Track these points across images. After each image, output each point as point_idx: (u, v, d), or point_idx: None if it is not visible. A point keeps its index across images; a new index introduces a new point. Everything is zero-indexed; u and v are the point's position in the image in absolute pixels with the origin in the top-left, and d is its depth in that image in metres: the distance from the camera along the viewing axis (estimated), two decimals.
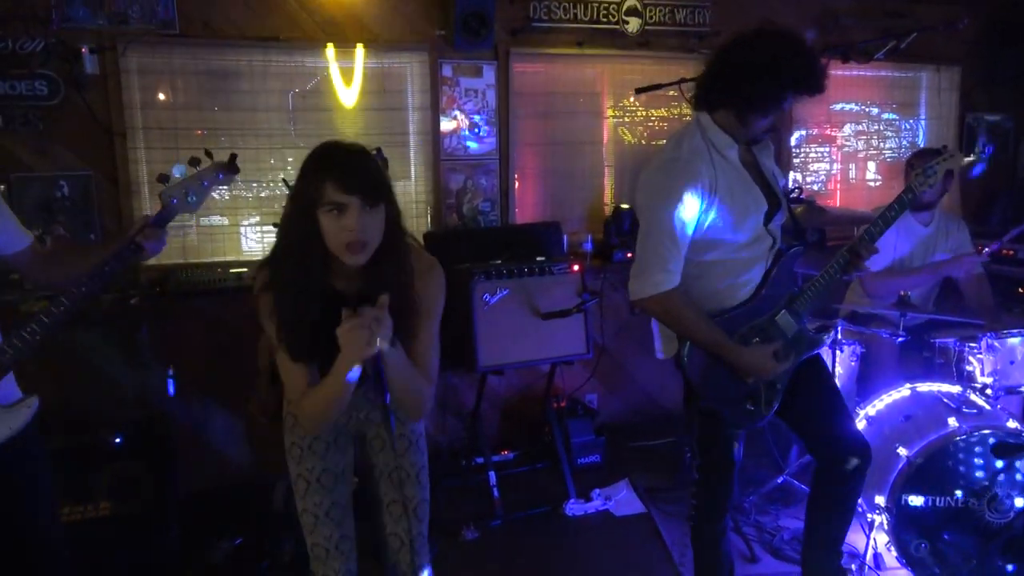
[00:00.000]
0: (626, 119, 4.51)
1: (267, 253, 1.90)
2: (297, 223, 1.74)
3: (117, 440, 3.08)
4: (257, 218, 3.87)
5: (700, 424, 2.38)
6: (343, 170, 1.69)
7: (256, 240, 3.88)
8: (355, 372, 1.74)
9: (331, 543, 2.06)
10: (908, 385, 3.16)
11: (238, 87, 3.72)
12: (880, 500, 2.84)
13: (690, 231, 2.20)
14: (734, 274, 2.30)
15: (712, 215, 2.20)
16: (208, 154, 2.16)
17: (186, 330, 3.67)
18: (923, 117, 5.26)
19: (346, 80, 3.89)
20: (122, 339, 3.56)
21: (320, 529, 2.05)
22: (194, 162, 2.11)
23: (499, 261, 3.58)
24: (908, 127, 5.27)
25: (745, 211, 2.24)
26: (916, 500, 2.77)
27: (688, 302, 2.22)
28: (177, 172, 2.11)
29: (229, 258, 3.79)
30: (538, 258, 3.68)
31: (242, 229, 3.85)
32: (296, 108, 3.84)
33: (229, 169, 2.17)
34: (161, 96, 3.63)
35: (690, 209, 2.17)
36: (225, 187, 2.14)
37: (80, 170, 3.46)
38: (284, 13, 3.68)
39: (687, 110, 4.45)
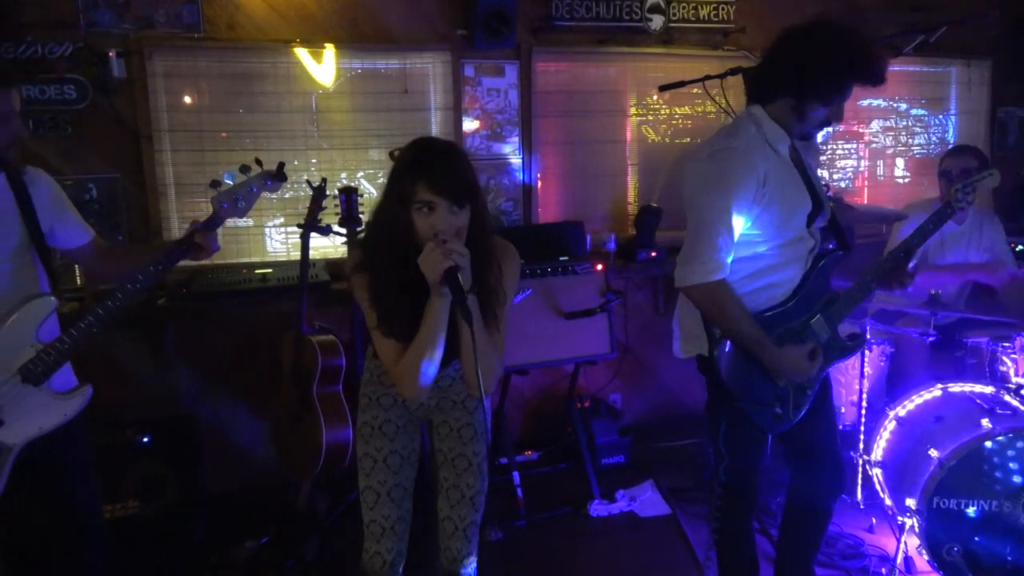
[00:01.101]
0: (649, 117, 4.48)
1: (360, 235, 2.13)
2: (391, 216, 1.89)
3: (144, 439, 3.12)
4: (281, 219, 3.89)
5: (730, 425, 2.35)
6: (436, 172, 1.83)
7: (280, 241, 3.90)
8: (444, 307, 1.87)
9: (388, 522, 2.11)
10: (939, 385, 3.10)
11: (262, 89, 3.74)
12: (911, 503, 2.79)
13: (742, 221, 2.18)
14: (773, 272, 2.27)
15: (761, 209, 2.18)
16: (258, 162, 2.26)
17: (211, 331, 3.70)
18: (953, 112, 5.16)
19: (368, 81, 3.90)
20: (148, 339, 3.60)
21: (380, 507, 2.11)
22: (244, 169, 2.22)
23: (522, 261, 3.55)
24: (938, 122, 5.18)
25: (792, 208, 2.22)
26: (948, 503, 2.72)
27: (734, 295, 2.20)
28: (228, 178, 2.19)
29: (254, 259, 3.82)
30: (561, 257, 3.67)
31: (266, 230, 3.88)
32: (319, 110, 3.86)
33: (277, 177, 2.29)
34: (186, 99, 3.66)
35: (745, 199, 2.15)
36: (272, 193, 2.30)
37: (108, 173, 3.51)
38: (306, 15, 3.70)
39: (711, 108, 4.43)
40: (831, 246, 2.38)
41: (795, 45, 2.15)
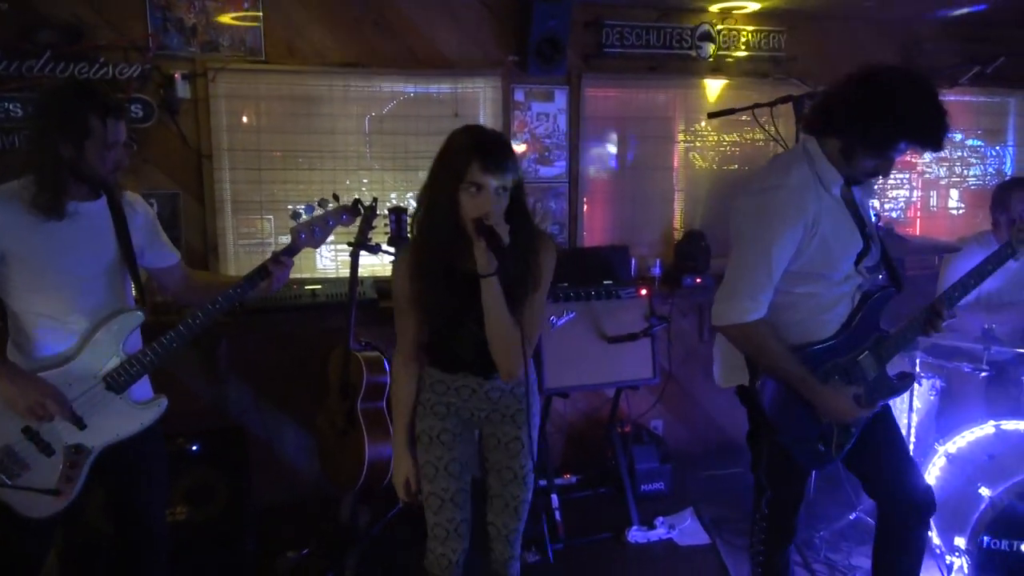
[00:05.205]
0: (697, 144, 4.49)
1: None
2: (439, 194, 1.98)
3: (194, 448, 3.20)
4: (331, 237, 3.97)
5: (771, 459, 2.32)
6: (490, 154, 1.92)
7: (330, 258, 3.99)
8: (491, 284, 1.95)
9: (452, 525, 2.21)
10: (992, 422, 3.03)
11: (318, 111, 3.85)
12: (960, 542, 2.72)
13: (786, 263, 2.16)
14: (822, 309, 2.25)
15: (811, 249, 2.15)
16: (335, 197, 2.42)
17: (262, 345, 3.79)
18: (1011, 144, 5.06)
19: (421, 105, 3.99)
20: (202, 352, 3.71)
21: (444, 512, 2.21)
22: (323, 203, 2.38)
23: (566, 284, 3.59)
24: (994, 154, 5.08)
25: (843, 250, 2.19)
26: (999, 544, 2.64)
27: (773, 333, 2.17)
28: (306, 211, 2.37)
29: (304, 275, 3.91)
30: (606, 282, 3.67)
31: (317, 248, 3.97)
32: (372, 131, 3.95)
33: (352, 212, 2.45)
34: (245, 119, 3.79)
35: (791, 241, 2.12)
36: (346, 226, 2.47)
37: (169, 189, 3.64)
38: (364, 40, 3.81)
39: (760, 135, 4.42)
40: (882, 283, 2.35)
41: (862, 85, 2.08)
